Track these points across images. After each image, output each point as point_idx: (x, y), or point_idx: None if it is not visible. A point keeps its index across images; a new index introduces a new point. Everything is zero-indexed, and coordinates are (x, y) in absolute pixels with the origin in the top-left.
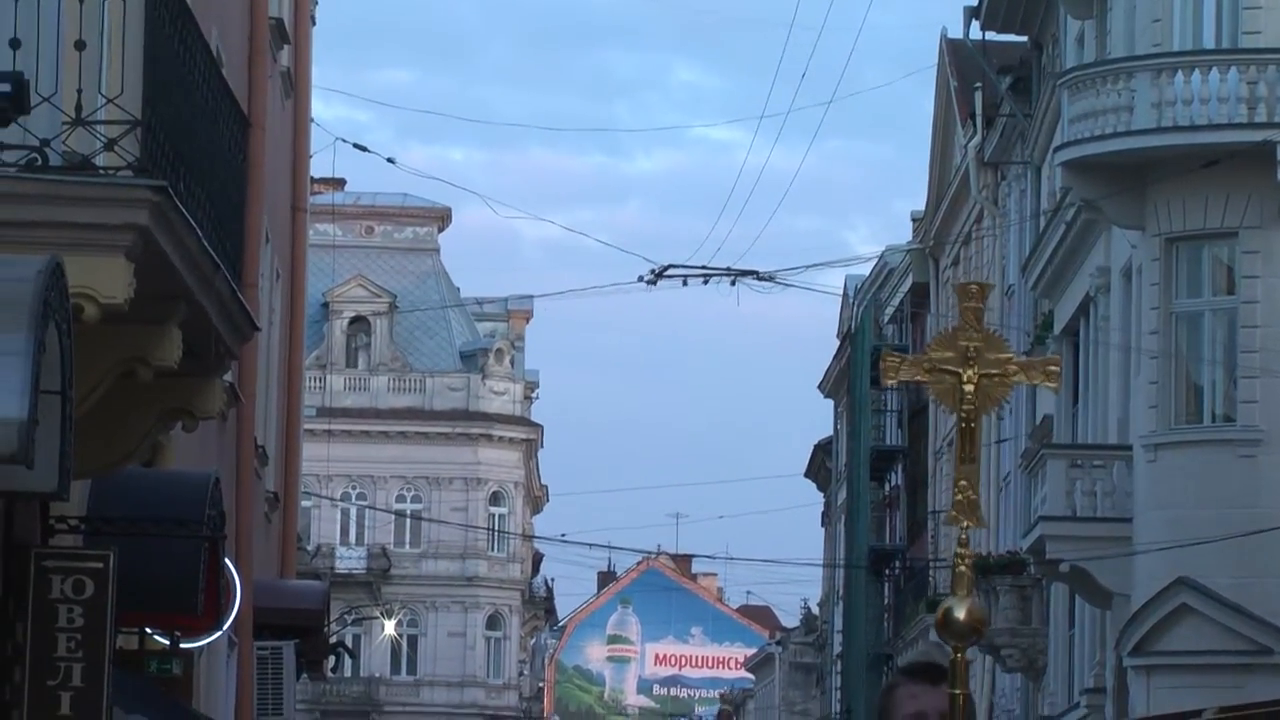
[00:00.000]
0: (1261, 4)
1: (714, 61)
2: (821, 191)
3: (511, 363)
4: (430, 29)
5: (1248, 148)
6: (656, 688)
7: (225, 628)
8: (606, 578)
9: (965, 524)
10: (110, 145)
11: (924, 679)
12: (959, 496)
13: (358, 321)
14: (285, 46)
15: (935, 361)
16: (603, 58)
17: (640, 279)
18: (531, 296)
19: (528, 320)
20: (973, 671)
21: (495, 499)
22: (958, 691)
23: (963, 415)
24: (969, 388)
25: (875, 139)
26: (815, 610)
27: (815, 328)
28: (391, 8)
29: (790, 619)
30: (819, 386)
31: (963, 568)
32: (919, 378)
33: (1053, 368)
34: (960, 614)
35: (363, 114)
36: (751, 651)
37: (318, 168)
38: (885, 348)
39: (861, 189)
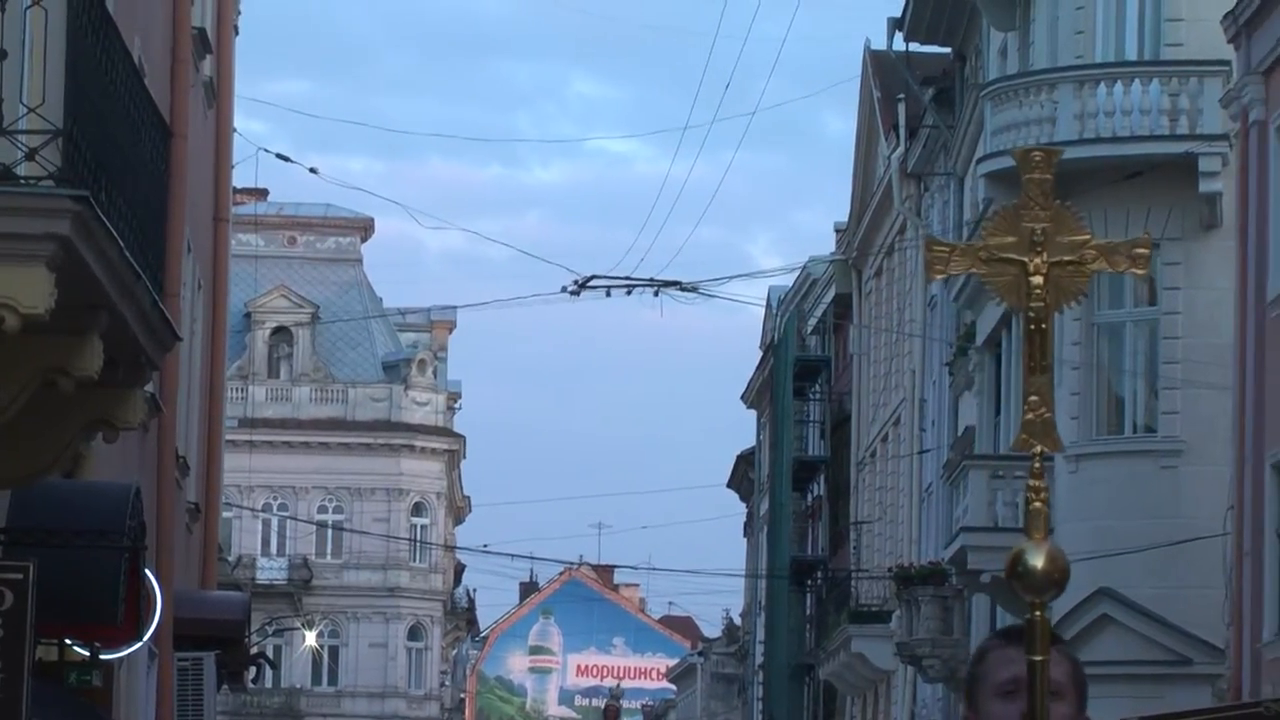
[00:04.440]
0: (1183, 16)
1: (610, 73)
2: (720, 203)
3: (434, 373)
4: (325, 40)
5: (1170, 159)
6: (578, 698)
7: (145, 639)
8: (528, 588)
9: (1039, 449)
10: (31, 155)
11: (1020, 643)
12: (1030, 415)
13: (280, 332)
14: (207, 56)
15: (993, 249)
16: (500, 68)
17: (564, 289)
18: (455, 307)
19: (450, 331)
20: (893, 682)
21: (417, 510)
22: (1038, 658)
23: (1031, 314)
24: (1037, 279)
25: (770, 151)
26: (737, 621)
27: (738, 339)
28: (285, 18)
29: (712, 629)
30: (741, 397)
31: (1038, 504)
32: (974, 270)
33: (1141, 250)
34: (1037, 561)
35: (259, 124)
36: (673, 662)
37: (240, 178)
38: (930, 236)
39: (759, 201)
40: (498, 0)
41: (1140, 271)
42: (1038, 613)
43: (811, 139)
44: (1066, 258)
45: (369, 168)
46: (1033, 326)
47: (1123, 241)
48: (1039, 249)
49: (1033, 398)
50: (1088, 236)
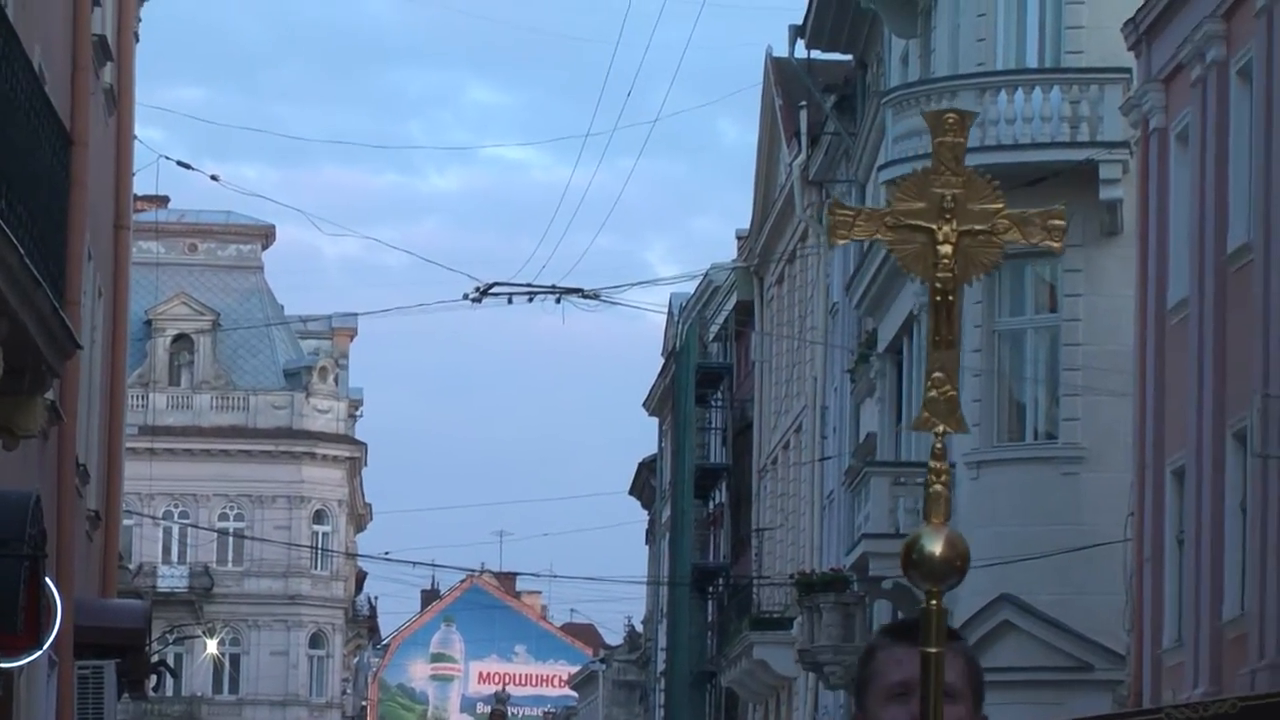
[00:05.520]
0: (1084, 24)
1: (505, 80)
2: (616, 211)
3: (335, 381)
4: (218, 47)
5: (1070, 166)
6: (480, 706)
7: (46, 647)
8: (430, 596)
9: (941, 429)
10: None
11: (910, 640)
12: (933, 393)
13: (181, 339)
14: (108, 63)
15: (901, 215)
16: (395, 76)
17: (465, 296)
18: (356, 314)
19: (351, 338)
20: (795, 689)
21: (319, 517)
22: (932, 649)
23: (938, 285)
24: (945, 249)
25: (666, 158)
26: (639, 628)
27: (639, 346)
28: (179, 26)
29: (614, 637)
30: (643, 404)
31: (938, 486)
32: (879, 236)
33: (1056, 221)
34: (935, 548)
35: (155, 131)
36: (575, 669)
37: (140, 185)
38: (835, 199)
39: (655, 209)
40: (391, 8)
41: (1055, 244)
42: (934, 602)
43: (707, 147)
44: (977, 226)
45: (265, 175)
46: (939, 298)
47: (1037, 211)
48: (949, 216)
49: (937, 374)
50: (1000, 205)
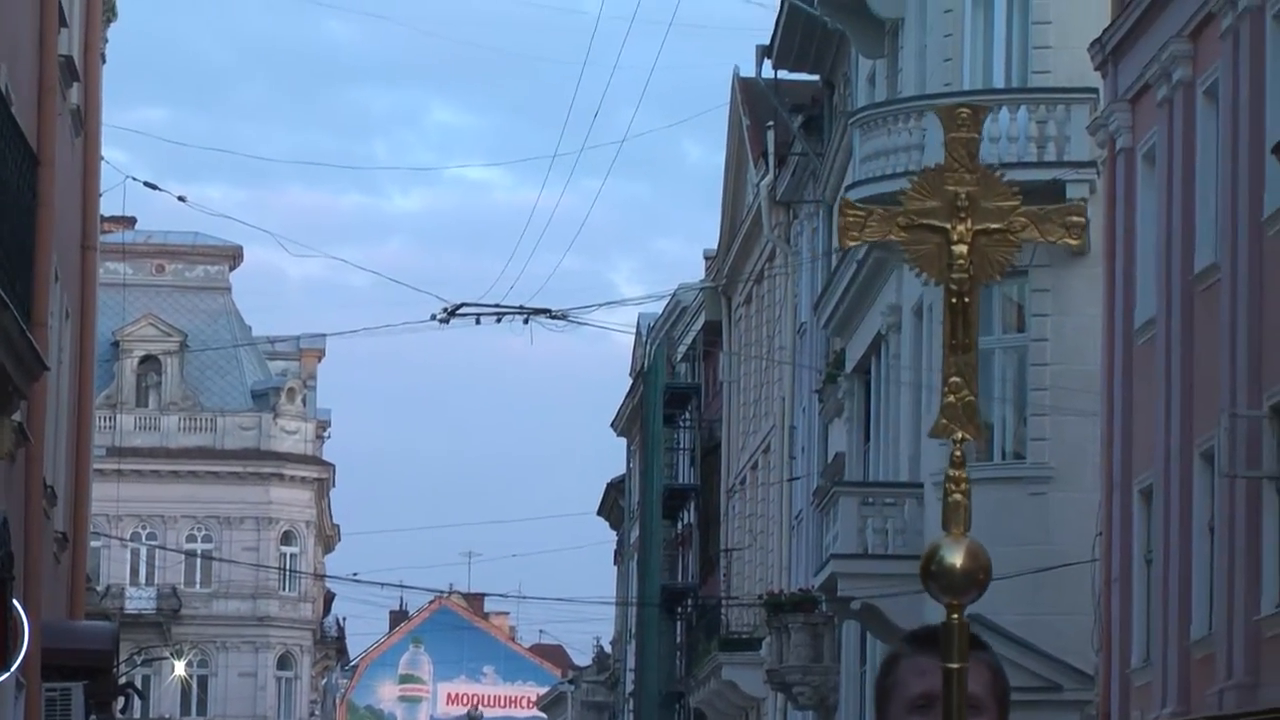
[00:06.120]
0: (1051, 44)
1: (469, 101)
2: (583, 231)
3: (303, 401)
4: (181, 68)
5: (1037, 186)
6: None
7: (13, 669)
8: (398, 617)
9: (960, 436)
10: None
11: (934, 649)
12: (950, 398)
13: (148, 360)
14: (75, 84)
15: (913, 215)
16: (358, 97)
17: (433, 317)
18: (324, 335)
19: (319, 359)
20: (764, 710)
21: (287, 538)
22: (954, 665)
23: (953, 287)
24: (960, 249)
25: (629, 179)
26: (607, 649)
27: (607, 366)
28: (141, 46)
29: (583, 658)
30: (611, 424)
31: (958, 495)
32: (892, 236)
33: (1075, 218)
34: (955, 559)
35: (119, 152)
36: (544, 690)
37: (107, 206)
38: (845, 198)
39: (620, 229)
40: (354, 28)
41: (1074, 241)
42: (955, 616)
43: (673, 168)
44: (993, 225)
45: (230, 196)
46: (954, 300)
47: (1055, 208)
48: (963, 215)
49: (954, 379)
50: (1016, 203)
